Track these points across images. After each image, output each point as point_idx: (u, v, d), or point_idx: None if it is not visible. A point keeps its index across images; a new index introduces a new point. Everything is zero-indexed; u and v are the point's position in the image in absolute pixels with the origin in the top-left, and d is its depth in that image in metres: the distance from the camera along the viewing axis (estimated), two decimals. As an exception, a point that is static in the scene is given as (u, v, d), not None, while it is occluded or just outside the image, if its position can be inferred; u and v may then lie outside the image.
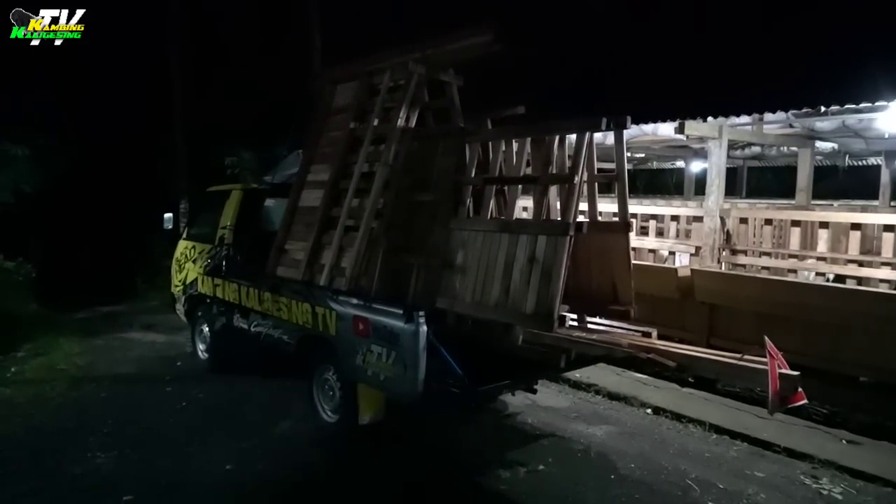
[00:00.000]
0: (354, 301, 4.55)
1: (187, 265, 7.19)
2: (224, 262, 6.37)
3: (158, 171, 14.88)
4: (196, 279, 6.91)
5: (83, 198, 15.11)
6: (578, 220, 4.14)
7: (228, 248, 6.38)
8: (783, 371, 3.40)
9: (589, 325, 4.84)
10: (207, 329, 6.90)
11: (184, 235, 7.65)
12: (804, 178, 9.21)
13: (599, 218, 4.87)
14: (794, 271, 6.53)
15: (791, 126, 8.24)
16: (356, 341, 4.46)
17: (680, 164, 14.56)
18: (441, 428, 5.31)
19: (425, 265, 4.83)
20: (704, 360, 3.81)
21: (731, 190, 13.88)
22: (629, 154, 12.38)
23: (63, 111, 11.91)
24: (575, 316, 4.92)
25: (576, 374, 6.33)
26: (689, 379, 6.02)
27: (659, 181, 18.56)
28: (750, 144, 10.85)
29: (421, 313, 3.98)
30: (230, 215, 6.52)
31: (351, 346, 4.52)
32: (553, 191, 4.71)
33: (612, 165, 4.74)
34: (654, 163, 15.36)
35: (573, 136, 4.33)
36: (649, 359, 3.89)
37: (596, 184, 4.72)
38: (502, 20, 4.83)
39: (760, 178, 17.29)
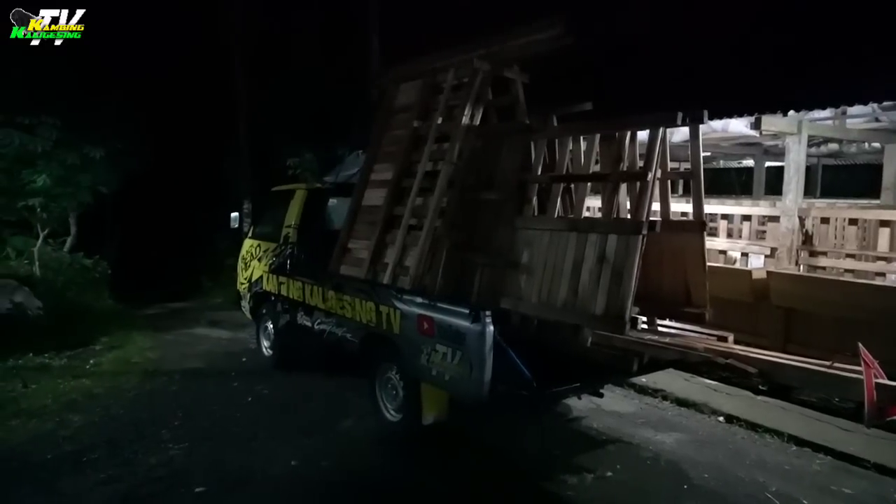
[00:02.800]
0: (419, 300, 4.51)
1: (253, 263, 7.35)
2: (288, 261, 6.47)
3: (223, 172, 15.38)
4: (261, 277, 7.06)
5: (153, 198, 15.83)
6: (651, 218, 4.01)
7: (293, 247, 6.48)
8: (880, 381, 3.17)
9: (660, 328, 4.67)
10: (272, 326, 7.04)
11: (249, 234, 7.84)
12: (891, 175, 8.62)
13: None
14: (883, 274, 6.11)
15: (877, 120, 7.73)
16: (420, 340, 4.42)
17: (748, 162, 13.92)
18: (505, 429, 5.22)
19: (489, 264, 4.77)
20: (789, 367, 3.61)
21: (805, 189, 13.19)
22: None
23: (136, 114, 12.44)
24: (645, 318, 4.76)
25: (642, 379, 6.13)
26: (761, 386, 5.73)
27: (724, 180, 17.83)
28: (827, 141, 10.27)
29: (487, 313, 3.90)
30: (294, 214, 6.62)
31: (415, 345, 4.48)
32: (623, 189, 4.56)
33: (675, 164, 4.56)
34: (721, 161, 14.76)
35: (644, 133, 4.19)
36: (728, 364, 3.71)
37: (669, 182, 4.54)
38: (569, 13, 4.71)
39: (835, 178, 16.38)
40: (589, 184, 4.71)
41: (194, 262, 14.59)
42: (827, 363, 3.50)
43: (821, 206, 7.87)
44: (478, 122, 5.24)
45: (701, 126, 4.36)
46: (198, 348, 8.08)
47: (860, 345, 3.23)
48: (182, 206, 16.34)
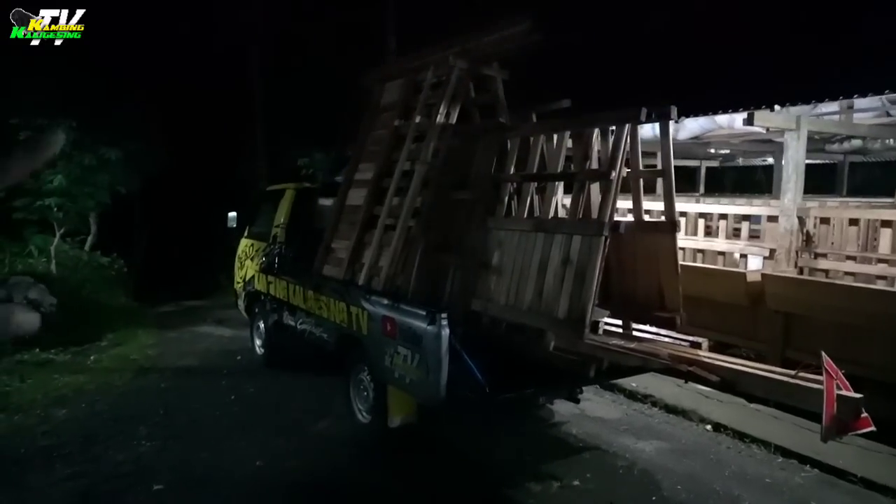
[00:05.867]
0: (384, 301, 4.47)
1: (247, 262, 7.41)
2: (276, 260, 6.48)
3: (240, 172, 15.60)
4: (253, 276, 7.10)
5: (177, 199, 16.17)
6: (622, 219, 3.86)
7: (281, 246, 6.49)
8: (842, 392, 2.96)
9: (634, 333, 4.50)
10: (262, 325, 7.08)
11: (245, 233, 7.90)
12: (907, 172, 8.17)
13: (656, 218, 4.51)
14: (885, 278, 5.78)
15: (888, 114, 7.32)
16: (385, 342, 4.37)
17: (771, 160, 13.43)
18: (478, 434, 5.12)
19: (461, 265, 4.68)
20: (752, 375, 3.40)
21: (831, 188, 12.69)
22: (712, 150, 11.60)
23: (153, 116, 12.71)
24: (620, 322, 4.60)
25: (631, 384, 5.96)
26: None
27: (748, 179, 17.26)
28: (850, 137, 9.82)
29: (444, 315, 3.82)
30: (283, 214, 6.64)
31: (381, 346, 4.44)
32: (594, 188, 4.41)
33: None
34: (741, 159, 14.26)
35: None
36: (690, 372, 3.53)
37: (641, 181, 4.36)
38: (550, 9, 4.59)
39: (868, 175, 15.67)
40: (559, 182, 4.58)
41: (212, 260, 14.83)
42: (792, 372, 3.30)
43: (832, 205, 7.50)
44: (454, 121, 5.14)
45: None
46: (198, 346, 8.19)
47: (822, 353, 3.02)
48: (203, 205, 16.63)
